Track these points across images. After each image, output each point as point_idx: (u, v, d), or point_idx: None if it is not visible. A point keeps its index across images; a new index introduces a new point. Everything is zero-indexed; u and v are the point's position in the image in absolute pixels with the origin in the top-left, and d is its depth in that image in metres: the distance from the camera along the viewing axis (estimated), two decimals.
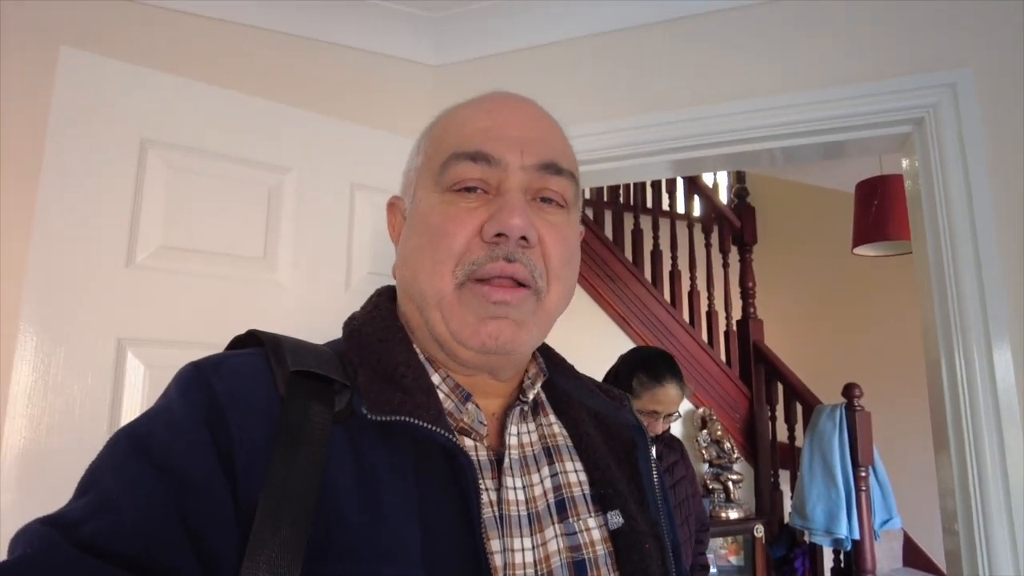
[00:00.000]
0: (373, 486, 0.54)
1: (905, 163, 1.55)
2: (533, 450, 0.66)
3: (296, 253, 1.39)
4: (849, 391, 3.05)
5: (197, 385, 0.54)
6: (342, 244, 1.44)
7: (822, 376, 3.71)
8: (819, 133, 1.54)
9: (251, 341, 0.62)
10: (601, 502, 0.66)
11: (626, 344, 3.42)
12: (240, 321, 1.32)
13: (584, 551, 0.62)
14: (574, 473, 0.67)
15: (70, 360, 1.16)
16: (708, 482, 3.44)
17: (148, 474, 0.49)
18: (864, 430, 3.02)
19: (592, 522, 0.64)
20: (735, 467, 3.56)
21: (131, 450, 0.51)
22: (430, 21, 1.81)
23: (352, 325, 0.67)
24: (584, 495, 0.66)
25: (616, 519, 0.64)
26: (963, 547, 1.31)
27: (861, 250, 2.89)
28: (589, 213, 3.79)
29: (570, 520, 0.63)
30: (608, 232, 3.81)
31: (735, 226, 4.12)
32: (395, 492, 0.54)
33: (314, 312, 1.34)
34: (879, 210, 2.59)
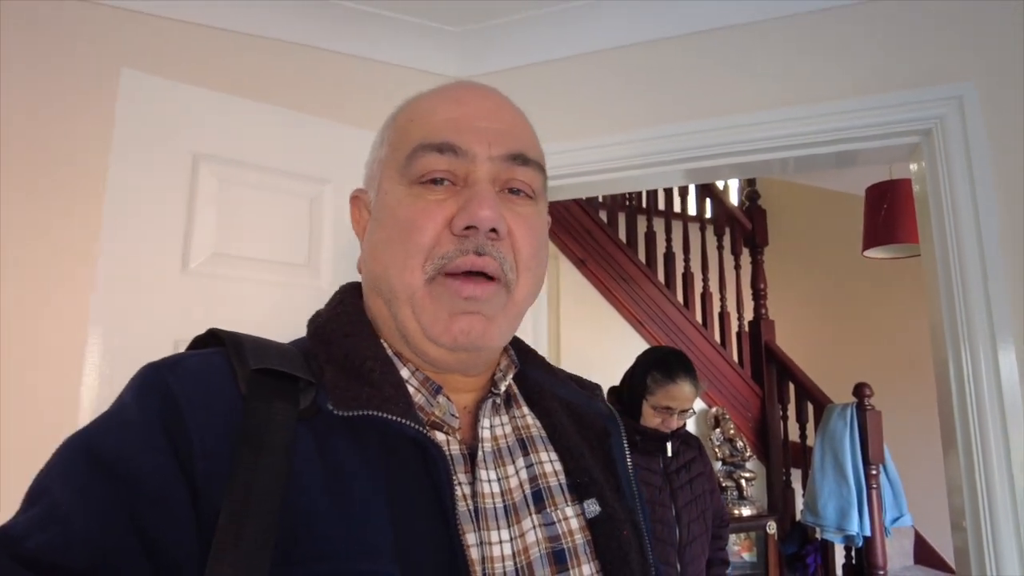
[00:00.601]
0: (341, 484, 0.52)
1: (914, 170, 1.61)
2: (507, 442, 0.65)
3: (336, 259, 1.48)
4: (860, 391, 3.10)
5: (153, 386, 0.52)
6: None
7: (833, 376, 3.76)
8: (830, 143, 1.59)
9: (212, 341, 0.60)
10: (577, 491, 0.65)
11: (641, 345, 3.48)
12: (286, 323, 1.41)
13: (563, 540, 0.61)
14: (549, 463, 0.66)
15: (131, 363, 1.24)
16: (721, 480, 3.50)
17: (99, 481, 0.46)
18: (875, 429, 3.06)
19: (570, 511, 0.64)
20: (748, 465, 3.62)
21: (82, 456, 0.48)
22: (455, 35, 1.89)
23: (317, 322, 0.65)
24: (560, 485, 0.65)
25: (593, 507, 0.64)
26: (971, 543, 1.36)
27: (871, 253, 2.94)
28: (603, 216, 3.85)
29: (548, 510, 0.62)
30: (622, 234, 3.87)
31: (746, 228, 4.17)
32: (364, 488, 0.52)
33: None
34: (889, 214, 2.64)
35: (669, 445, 1.95)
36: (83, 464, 0.47)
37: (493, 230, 0.59)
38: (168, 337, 1.28)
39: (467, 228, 0.58)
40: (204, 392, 0.52)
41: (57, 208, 1.42)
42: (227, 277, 1.35)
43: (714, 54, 1.72)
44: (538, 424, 0.70)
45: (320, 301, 1.44)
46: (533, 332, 1.87)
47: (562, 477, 0.66)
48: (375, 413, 0.54)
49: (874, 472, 3.05)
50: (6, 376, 1.34)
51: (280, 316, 1.39)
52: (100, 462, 0.47)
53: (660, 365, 2.00)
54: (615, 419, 0.75)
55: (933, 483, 3.73)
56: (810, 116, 1.58)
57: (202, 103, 1.37)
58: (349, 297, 0.68)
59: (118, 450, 0.48)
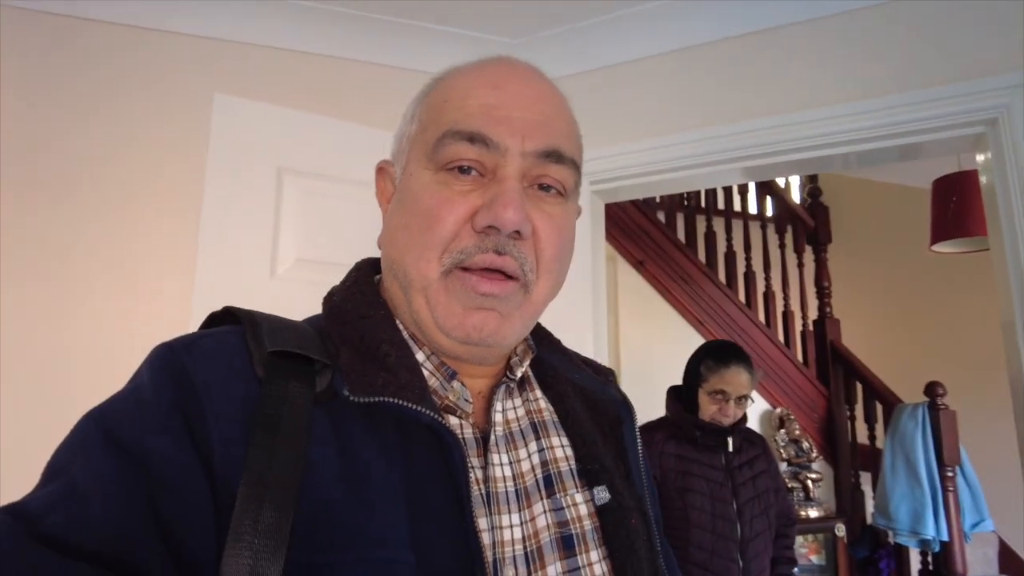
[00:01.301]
0: (357, 469, 0.51)
1: (980, 160, 1.59)
2: (520, 425, 0.64)
3: None
4: (932, 389, 3.01)
5: (169, 366, 0.51)
6: None
7: (902, 375, 3.66)
8: (893, 137, 1.59)
9: (227, 318, 0.59)
10: (587, 477, 0.64)
11: None
12: None
13: (572, 526, 0.61)
14: (560, 448, 0.66)
15: None
16: (787, 481, 3.45)
17: (116, 461, 0.45)
18: (949, 429, 2.97)
19: (579, 497, 0.63)
20: (814, 466, 3.55)
21: (99, 435, 0.47)
22: (514, 46, 1.97)
23: (332, 301, 0.64)
24: (571, 470, 0.64)
25: (603, 494, 0.63)
26: None
27: (940, 247, 2.85)
28: (661, 216, 3.85)
29: (557, 495, 0.62)
30: (680, 235, 3.86)
31: (809, 225, 4.10)
32: (380, 474, 0.52)
33: None
34: (958, 206, 2.56)
35: (730, 440, 1.96)
36: (101, 444, 0.47)
37: (516, 231, 0.57)
38: None
39: (489, 227, 0.56)
40: (220, 374, 0.51)
41: (158, 222, 1.57)
42: (310, 281, 1.46)
43: (771, 52, 1.73)
44: (551, 408, 0.69)
45: None
46: (594, 335, 1.91)
47: (573, 463, 0.65)
48: (390, 400, 0.54)
49: (950, 474, 2.95)
50: (115, 379, 1.48)
51: None
52: (118, 443, 0.46)
53: (712, 352, 2.05)
54: (628, 406, 0.74)
55: (1017, 486, 3.59)
56: (871, 110, 1.58)
57: (285, 121, 1.49)
58: (364, 275, 0.67)
59: (135, 432, 0.47)
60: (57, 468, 0.47)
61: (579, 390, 0.71)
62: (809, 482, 3.43)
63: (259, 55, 1.71)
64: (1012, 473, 3.63)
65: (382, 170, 0.70)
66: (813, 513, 3.37)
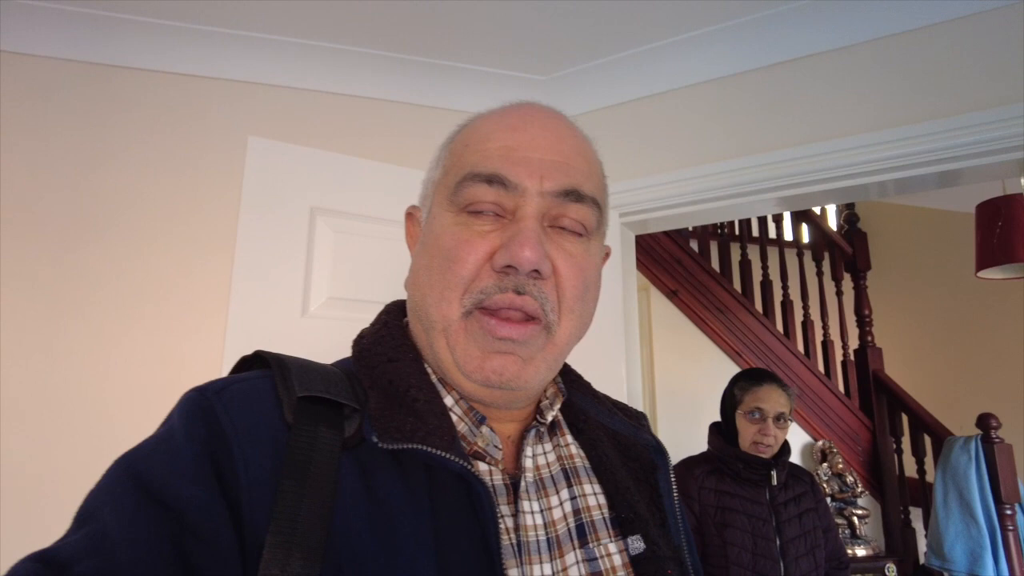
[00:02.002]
0: (386, 517, 0.51)
1: None
2: (551, 472, 0.63)
3: None
4: (985, 421, 2.88)
5: (201, 412, 0.51)
6: None
7: (951, 406, 3.52)
8: (934, 163, 1.54)
9: (257, 362, 0.60)
10: (621, 526, 0.63)
11: None
12: None
13: None
14: (593, 496, 0.64)
15: None
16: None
17: (146, 510, 0.46)
18: (1006, 464, 2.83)
19: (613, 547, 0.61)
20: (859, 502, 3.42)
21: (129, 482, 0.48)
22: (542, 83, 1.98)
23: (362, 344, 0.64)
24: (604, 519, 0.63)
25: (637, 544, 0.62)
26: None
27: (986, 273, 2.76)
28: (695, 245, 3.82)
29: (590, 545, 0.60)
30: (715, 263, 3.81)
31: (847, 252, 4.02)
32: (409, 523, 0.51)
33: None
34: (1004, 231, 2.48)
35: (774, 474, 1.90)
36: (131, 491, 0.47)
37: (535, 271, 0.57)
38: None
39: (507, 266, 0.56)
40: (250, 420, 0.52)
41: (192, 262, 1.60)
42: (342, 318, 1.46)
43: (803, 81, 1.71)
44: (582, 454, 0.68)
45: None
46: (627, 366, 1.88)
47: (606, 511, 0.64)
48: (419, 447, 0.53)
49: (1009, 512, 2.80)
50: (148, 418, 1.50)
51: None
52: (148, 491, 0.47)
53: (743, 375, 2.09)
54: (662, 451, 0.72)
55: None
56: (911, 136, 1.54)
57: (317, 162, 1.51)
58: (393, 318, 0.67)
59: (165, 479, 0.47)
60: (87, 514, 0.47)
61: (611, 435, 0.71)
62: (855, 519, 3.30)
63: (292, 97, 1.76)
64: None
65: (410, 215, 0.72)
66: (861, 552, 3.23)
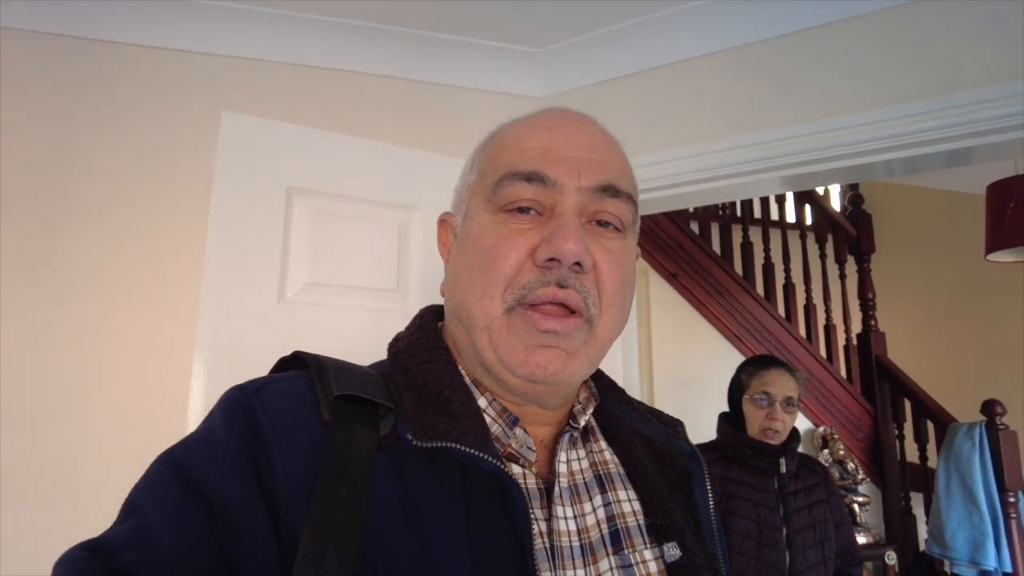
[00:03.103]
0: (420, 517, 0.52)
1: None
2: (584, 478, 0.64)
3: (424, 284, 1.50)
4: (990, 408, 2.83)
5: (240, 410, 0.53)
6: None
7: (955, 392, 3.46)
8: (943, 141, 1.47)
9: (295, 363, 0.62)
10: (656, 533, 0.63)
11: (738, 360, 3.32)
12: (377, 347, 1.44)
13: None
14: (628, 503, 0.65)
15: None
16: None
17: (188, 502, 0.48)
18: (1010, 451, 2.79)
19: (648, 554, 0.61)
20: (860, 489, 3.38)
21: (172, 476, 0.50)
22: (538, 56, 1.89)
23: (397, 346, 0.65)
24: (639, 525, 0.63)
25: (673, 551, 0.62)
26: None
27: (995, 256, 2.68)
28: (695, 227, 3.73)
29: (625, 552, 0.60)
30: (716, 246, 3.73)
31: (851, 234, 3.94)
32: (443, 523, 0.52)
33: None
34: (1016, 212, 2.40)
35: (783, 461, 1.85)
36: (175, 485, 0.49)
37: (577, 263, 0.57)
38: (267, 365, 1.33)
39: (549, 260, 0.57)
40: (288, 418, 0.53)
41: (163, 243, 1.53)
42: (321, 304, 1.40)
43: (810, 54, 1.63)
44: (616, 461, 0.68)
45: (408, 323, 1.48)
46: (623, 351, 1.82)
47: (641, 518, 0.64)
48: (453, 445, 0.54)
49: (1012, 500, 2.76)
50: (118, 403, 1.45)
51: (371, 340, 1.40)
52: (190, 486, 0.49)
53: (751, 361, 2.07)
54: (698, 459, 0.71)
55: None
56: (921, 112, 1.47)
57: (295, 139, 1.43)
58: (428, 322, 0.68)
59: (207, 475, 0.49)
60: (133, 506, 0.49)
61: (646, 441, 0.71)
62: (856, 506, 3.26)
63: (268, 71, 1.67)
64: None
65: (443, 222, 0.72)
66: (861, 539, 3.19)
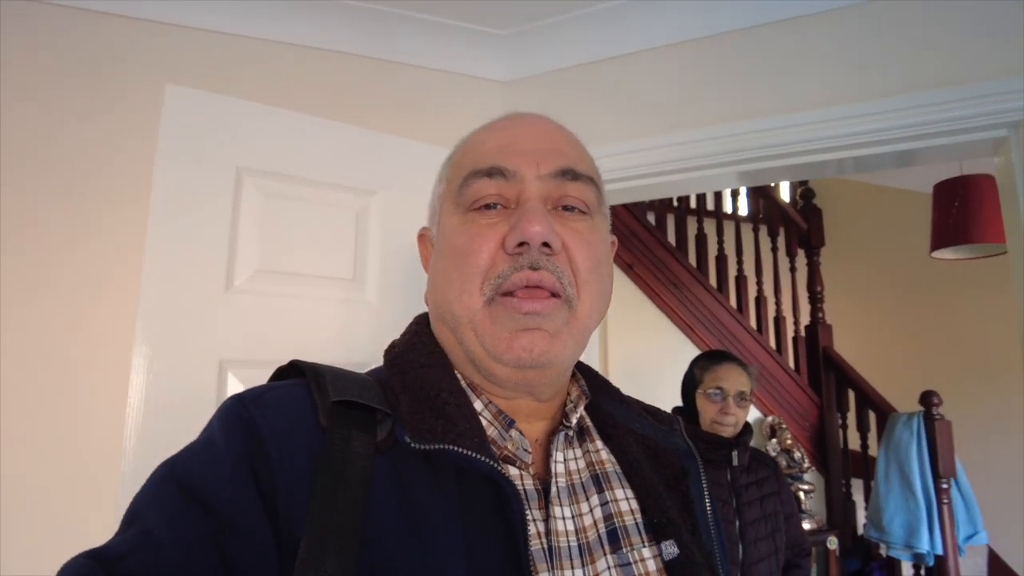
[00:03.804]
0: (417, 519, 0.52)
1: (999, 163, 1.50)
2: (581, 477, 0.64)
3: (383, 273, 1.44)
4: (927, 399, 2.95)
5: (239, 419, 0.54)
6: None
7: (897, 383, 3.59)
8: (897, 141, 1.50)
9: (293, 371, 0.63)
10: (654, 531, 0.64)
11: (691, 351, 3.38)
12: (334, 340, 1.39)
13: None
14: (625, 501, 0.65)
15: (177, 383, 1.22)
16: None
17: (189, 509, 0.49)
18: (944, 440, 2.91)
19: (647, 552, 0.62)
20: (806, 477, 3.47)
21: (173, 484, 0.51)
22: (500, 39, 1.84)
23: (393, 352, 0.66)
24: (637, 524, 0.64)
25: (671, 549, 0.62)
26: None
27: (940, 253, 2.77)
28: (651, 219, 3.75)
29: (623, 550, 0.61)
30: (671, 237, 3.76)
31: (802, 228, 4.02)
32: (440, 525, 0.53)
33: (401, 329, 1.37)
34: (961, 212, 2.48)
35: (736, 454, 1.87)
36: (175, 494, 0.50)
37: (546, 244, 0.59)
38: (214, 357, 1.26)
39: (519, 245, 0.58)
40: (286, 425, 0.54)
41: (102, 225, 1.42)
42: (272, 294, 1.32)
43: (768, 51, 1.63)
44: (613, 460, 0.68)
45: (367, 315, 1.43)
46: None
47: (638, 516, 0.65)
48: (450, 447, 0.55)
49: (945, 486, 2.89)
50: (52, 395, 1.35)
51: (327, 332, 1.36)
52: (191, 494, 0.50)
53: (704, 355, 2.10)
54: (694, 456, 0.72)
55: (1009, 497, 3.54)
56: (873, 113, 1.49)
57: (246, 116, 1.35)
58: (424, 327, 0.69)
59: (206, 483, 0.50)
60: (134, 515, 0.50)
61: (641, 439, 0.71)
62: (801, 494, 3.34)
63: (218, 43, 1.56)
64: (1006, 481, 3.58)
65: (422, 237, 0.75)
66: (805, 526, 3.27)
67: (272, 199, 1.36)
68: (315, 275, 1.38)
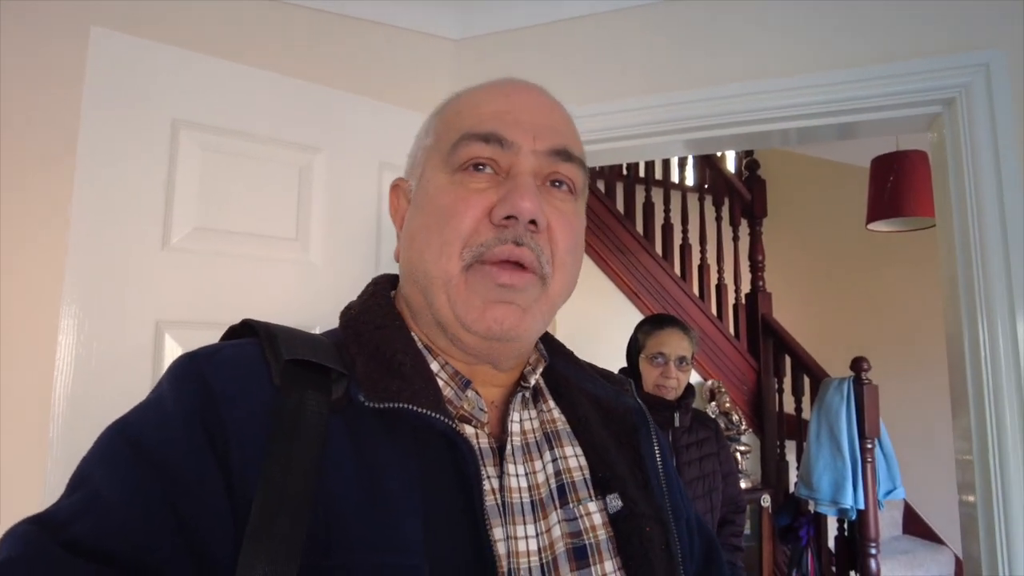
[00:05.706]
0: (373, 476, 0.52)
1: (932, 139, 1.55)
2: (535, 436, 0.65)
3: (327, 234, 1.40)
4: (857, 364, 3.08)
5: (190, 376, 0.53)
6: (371, 224, 1.44)
7: (830, 349, 3.75)
8: (838, 114, 1.53)
9: (246, 331, 0.61)
10: (601, 486, 0.65)
11: (636, 316, 3.43)
12: (275, 301, 1.35)
13: (585, 536, 0.61)
14: (574, 458, 0.66)
15: (110, 345, 1.17)
16: None
17: (138, 469, 0.47)
18: (871, 403, 3.05)
19: (593, 506, 0.63)
20: (743, 439, 3.61)
21: (122, 444, 0.49)
22: None
23: (349, 314, 0.66)
24: (585, 479, 0.65)
25: (615, 502, 0.64)
26: (980, 516, 1.34)
27: (875, 226, 2.88)
28: (600, 186, 3.77)
29: (571, 505, 0.62)
30: (620, 205, 3.80)
31: (745, 199, 4.11)
32: (396, 481, 0.53)
33: (345, 291, 1.33)
34: (895, 186, 2.58)
35: (677, 416, 1.93)
36: (124, 453, 0.49)
37: (532, 222, 0.59)
38: (149, 317, 1.21)
39: (507, 218, 0.58)
40: (239, 384, 0.53)
41: (23, 179, 1.32)
42: (212, 252, 1.27)
43: (716, 19, 1.64)
44: (563, 418, 0.70)
45: (310, 276, 1.39)
46: None
47: (586, 472, 0.66)
48: (405, 405, 0.55)
49: (869, 446, 3.05)
50: None
51: (268, 292, 1.32)
52: (140, 452, 0.48)
53: (647, 320, 2.15)
54: (644, 414, 0.73)
55: (921, 454, 3.78)
56: (817, 84, 1.52)
57: (182, 65, 1.28)
58: (381, 289, 0.69)
59: (157, 441, 0.49)
60: (82, 477, 0.48)
61: (593, 399, 0.72)
62: (738, 454, 3.48)
63: None
64: (920, 439, 3.80)
65: (396, 187, 0.72)
66: (742, 485, 3.41)
67: (211, 154, 1.30)
68: (256, 234, 1.33)
